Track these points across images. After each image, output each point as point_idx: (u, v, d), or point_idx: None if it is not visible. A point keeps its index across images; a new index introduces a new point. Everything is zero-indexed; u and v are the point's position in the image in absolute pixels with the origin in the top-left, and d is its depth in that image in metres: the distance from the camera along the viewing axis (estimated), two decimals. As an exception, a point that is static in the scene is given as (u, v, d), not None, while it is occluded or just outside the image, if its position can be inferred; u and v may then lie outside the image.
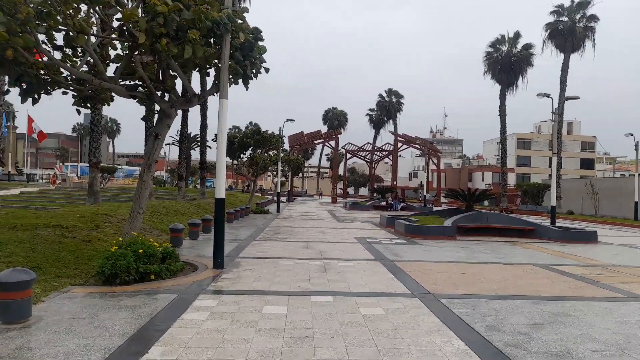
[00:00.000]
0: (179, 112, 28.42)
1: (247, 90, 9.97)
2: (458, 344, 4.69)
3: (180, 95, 10.10)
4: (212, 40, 8.81)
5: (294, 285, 7.14)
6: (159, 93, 9.76)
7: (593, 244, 15.02)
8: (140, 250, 7.32)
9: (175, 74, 9.55)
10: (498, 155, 52.53)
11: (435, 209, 30.08)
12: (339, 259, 9.95)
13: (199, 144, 32.65)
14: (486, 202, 36.63)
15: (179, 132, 29.77)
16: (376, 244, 12.72)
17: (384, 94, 68.58)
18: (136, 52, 9.06)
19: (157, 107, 10.00)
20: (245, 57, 9.14)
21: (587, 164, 66.18)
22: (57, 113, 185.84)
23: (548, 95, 20.42)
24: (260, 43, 9.32)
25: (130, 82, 9.93)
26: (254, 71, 9.41)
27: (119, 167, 64.79)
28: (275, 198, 30.41)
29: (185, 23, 8.04)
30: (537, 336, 4.99)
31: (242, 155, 31.75)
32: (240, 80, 9.41)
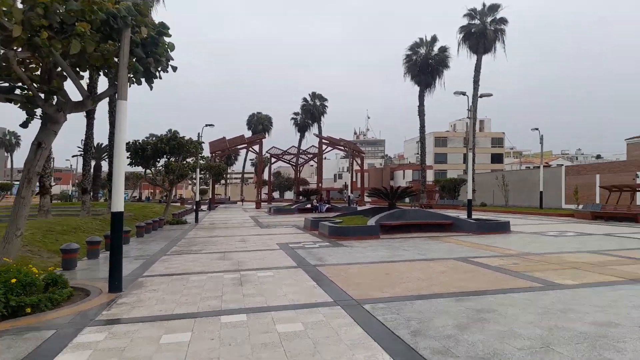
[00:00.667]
0: (84, 119, 26.26)
1: (151, 90, 8.99)
2: (383, 357, 4.23)
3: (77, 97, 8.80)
4: (111, 35, 7.71)
5: (203, 304, 6.32)
6: (43, 95, 8.44)
7: (507, 233, 15.70)
8: (14, 280, 6.12)
9: (65, 73, 8.31)
10: (418, 154, 54.64)
11: (359, 208, 30.26)
12: (257, 268, 9.23)
13: (109, 154, 30.05)
14: (407, 199, 37.77)
15: (83, 142, 27.13)
16: (299, 249, 12.15)
17: (309, 98, 68.60)
18: (13, 48, 7.71)
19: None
20: (149, 54, 8.17)
21: (497, 158, 71.13)
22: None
23: (464, 93, 21.30)
24: (167, 39, 8.39)
25: (9, 84, 8.50)
26: (159, 69, 8.47)
27: (17, 183, 58.49)
28: (194, 207, 28.81)
29: (73, 15, 6.94)
30: (464, 338, 4.68)
31: (156, 163, 29.68)
32: (143, 80, 8.42)
